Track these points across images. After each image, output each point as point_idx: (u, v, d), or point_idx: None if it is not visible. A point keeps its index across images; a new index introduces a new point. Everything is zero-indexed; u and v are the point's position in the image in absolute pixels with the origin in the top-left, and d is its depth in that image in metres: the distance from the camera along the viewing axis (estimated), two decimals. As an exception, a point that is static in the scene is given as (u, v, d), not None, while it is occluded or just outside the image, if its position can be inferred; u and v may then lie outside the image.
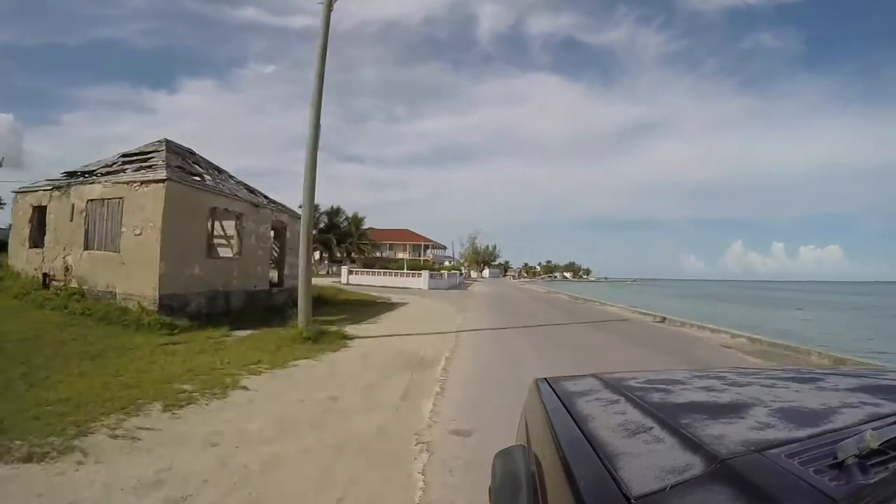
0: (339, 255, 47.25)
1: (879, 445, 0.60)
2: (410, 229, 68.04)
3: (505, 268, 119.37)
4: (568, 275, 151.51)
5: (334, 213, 47.60)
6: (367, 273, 33.28)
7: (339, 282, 30.28)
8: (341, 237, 47.29)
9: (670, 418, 0.88)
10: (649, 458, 0.75)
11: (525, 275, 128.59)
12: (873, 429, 0.63)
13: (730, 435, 0.77)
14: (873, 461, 0.59)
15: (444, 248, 77.60)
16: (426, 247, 66.91)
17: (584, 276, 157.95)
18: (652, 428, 0.86)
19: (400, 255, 60.75)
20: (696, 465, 0.67)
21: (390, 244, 63.72)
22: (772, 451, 0.68)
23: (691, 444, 0.75)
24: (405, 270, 34.90)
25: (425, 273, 32.28)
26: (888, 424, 0.70)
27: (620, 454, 0.77)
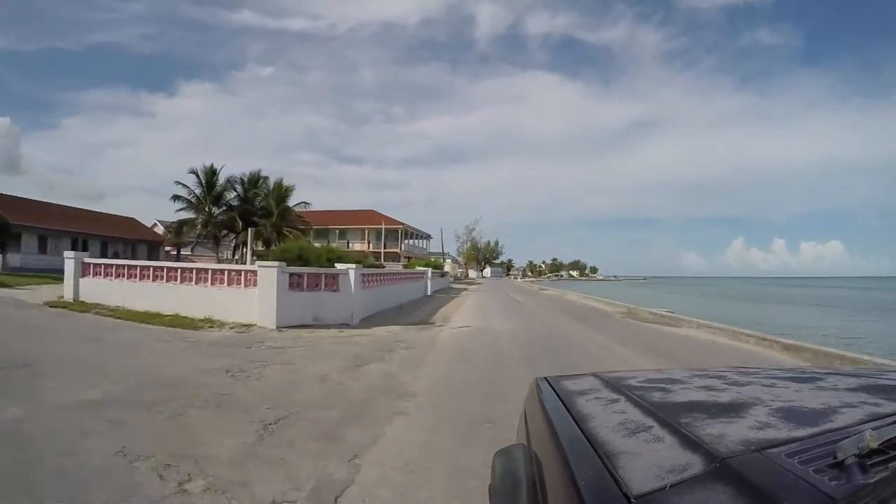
0: (260, 246, 32.22)
1: (879, 445, 0.60)
2: (377, 210, 48.88)
3: (508, 267, 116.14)
4: (574, 273, 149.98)
5: (253, 182, 32.08)
6: (139, 274, 12.32)
7: (61, 297, 13.00)
8: (253, 217, 31.26)
9: (670, 417, 0.89)
10: (649, 458, 0.75)
11: (529, 274, 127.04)
12: (873, 428, 0.63)
13: (730, 434, 0.78)
14: (873, 461, 0.59)
15: (429, 237, 58.87)
16: (392, 233, 47.28)
17: (591, 275, 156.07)
18: (652, 427, 0.87)
19: (357, 247, 44.39)
20: (696, 465, 0.68)
21: (340, 230, 46.77)
22: (772, 450, 0.69)
23: (691, 443, 0.75)
24: (232, 267, 11.90)
25: (272, 273, 10.24)
26: (888, 424, 0.70)
27: (620, 453, 0.77)
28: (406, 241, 50.32)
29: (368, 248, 45.57)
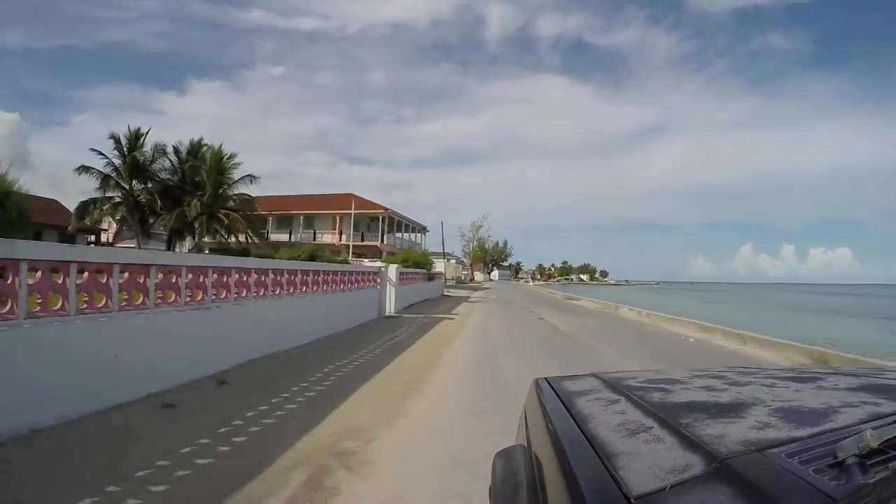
0: (188, 231, 24.88)
1: (879, 445, 0.60)
2: (357, 194, 37.35)
3: (516, 269, 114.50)
4: (584, 277, 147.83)
5: (192, 151, 24.92)
6: None
7: None
8: (189, 196, 24.10)
9: (670, 418, 0.89)
10: (649, 458, 0.75)
11: (538, 277, 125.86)
12: (873, 428, 0.63)
13: (730, 434, 0.78)
14: (873, 460, 0.59)
15: (424, 230, 47.18)
16: (377, 222, 36.87)
17: (602, 279, 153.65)
18: (652, 427, 0.87)
19: (327, 239, 35.66)
20: (696, 465, 0.68)
21: (306, 216, 36.87)
22: (772, 450, 0.68)
23: (691, 443, 0.75)
24: None
25: None
26: (888, 424, 0.69)
27: (620, 454, 0.77)
28: (396, 235, 39.84)
29: (340, 240, 35.30)
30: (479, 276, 70.42)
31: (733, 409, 0.93)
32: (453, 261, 59.22)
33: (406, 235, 43.42)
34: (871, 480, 0.56)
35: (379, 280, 13.52)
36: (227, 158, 25.38)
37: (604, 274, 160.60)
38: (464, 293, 28.69)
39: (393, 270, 15.00)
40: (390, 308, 14.28)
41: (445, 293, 26.69)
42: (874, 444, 0.60)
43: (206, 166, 24.91)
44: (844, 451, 0.60)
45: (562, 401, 1.10)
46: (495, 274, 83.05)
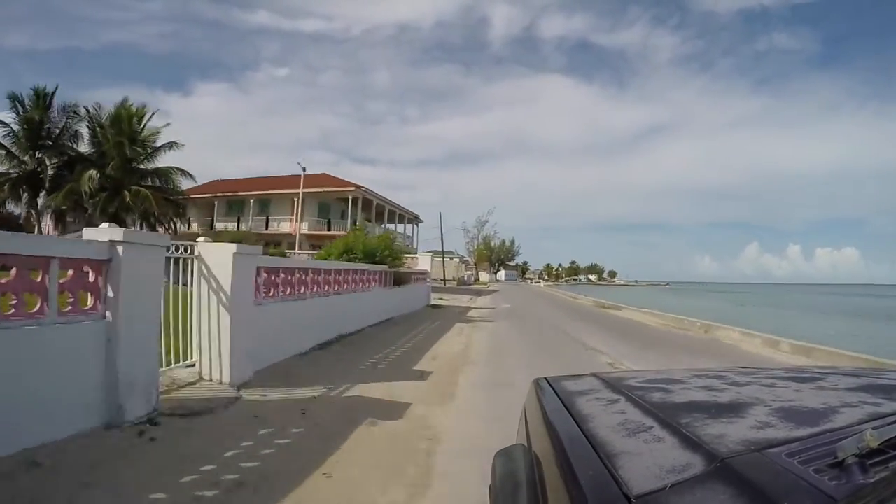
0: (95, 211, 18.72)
1: (879, 445, 0.60)
2: (330, 174, 31.58)
3: (523, 269, 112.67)
4: (592, 277, 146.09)
5: (116, 118, 19.60)
6: None
7: None
8: (86, 167, 18.83)
9: (670, 418, 0.89)
10: (649, 458, 0.75)
11: (546, 277, 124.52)
12: (873, 428, 0.63)
13: (730, 434, 0.78)
14: (873, 460, 0.59)
15: (416, 219, 37.48)
16: (357, 206, 28.84)
17: (611, 280, 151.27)
18: (652, 427, 0.87)
19: (285, 227, 29.17)
20: (697, 465, 0.68)
21: (259, 198, 30.23)
22: (772, 450, 0.68)
23: (691, 443, 0.75)
24: None
25: None
26: (888, 424, 0.69)
27: (620, 453, 0.77)
28: (385, 226, 30.59)
29: (298, 227, 27.61)
30: (484, 276, 63.51)
31: (733, 409, 0.93)
32: (456, 259, 54.16)
33: (394, 226, 33.65)
34: (871, 480, 0.56)
35: (111, 291, 3.09)
36: (142, 122, 19.72)
37: (612, 274, 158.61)
38: (463, 301, 20.55)
39: (222, 260, 4.44)
40: (219, 371, 4.38)
41: (435, 302, 18.10)
42: (874, 444, 0.60)
43: (114, 128, 19.67)
44: (844, 451, 0.60)
45: (562, 400, 1.11)
46: (501, 274, 76.23)
